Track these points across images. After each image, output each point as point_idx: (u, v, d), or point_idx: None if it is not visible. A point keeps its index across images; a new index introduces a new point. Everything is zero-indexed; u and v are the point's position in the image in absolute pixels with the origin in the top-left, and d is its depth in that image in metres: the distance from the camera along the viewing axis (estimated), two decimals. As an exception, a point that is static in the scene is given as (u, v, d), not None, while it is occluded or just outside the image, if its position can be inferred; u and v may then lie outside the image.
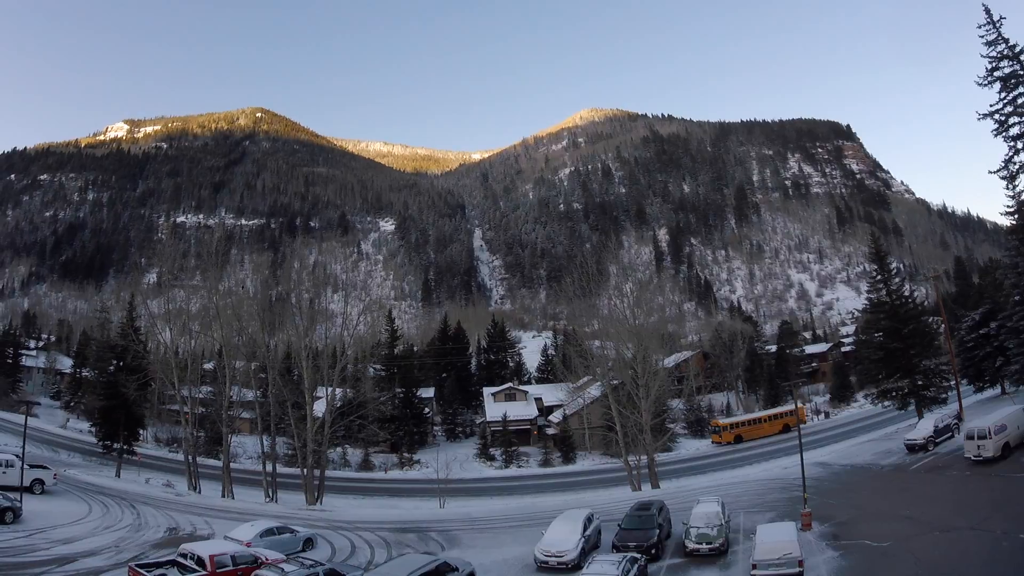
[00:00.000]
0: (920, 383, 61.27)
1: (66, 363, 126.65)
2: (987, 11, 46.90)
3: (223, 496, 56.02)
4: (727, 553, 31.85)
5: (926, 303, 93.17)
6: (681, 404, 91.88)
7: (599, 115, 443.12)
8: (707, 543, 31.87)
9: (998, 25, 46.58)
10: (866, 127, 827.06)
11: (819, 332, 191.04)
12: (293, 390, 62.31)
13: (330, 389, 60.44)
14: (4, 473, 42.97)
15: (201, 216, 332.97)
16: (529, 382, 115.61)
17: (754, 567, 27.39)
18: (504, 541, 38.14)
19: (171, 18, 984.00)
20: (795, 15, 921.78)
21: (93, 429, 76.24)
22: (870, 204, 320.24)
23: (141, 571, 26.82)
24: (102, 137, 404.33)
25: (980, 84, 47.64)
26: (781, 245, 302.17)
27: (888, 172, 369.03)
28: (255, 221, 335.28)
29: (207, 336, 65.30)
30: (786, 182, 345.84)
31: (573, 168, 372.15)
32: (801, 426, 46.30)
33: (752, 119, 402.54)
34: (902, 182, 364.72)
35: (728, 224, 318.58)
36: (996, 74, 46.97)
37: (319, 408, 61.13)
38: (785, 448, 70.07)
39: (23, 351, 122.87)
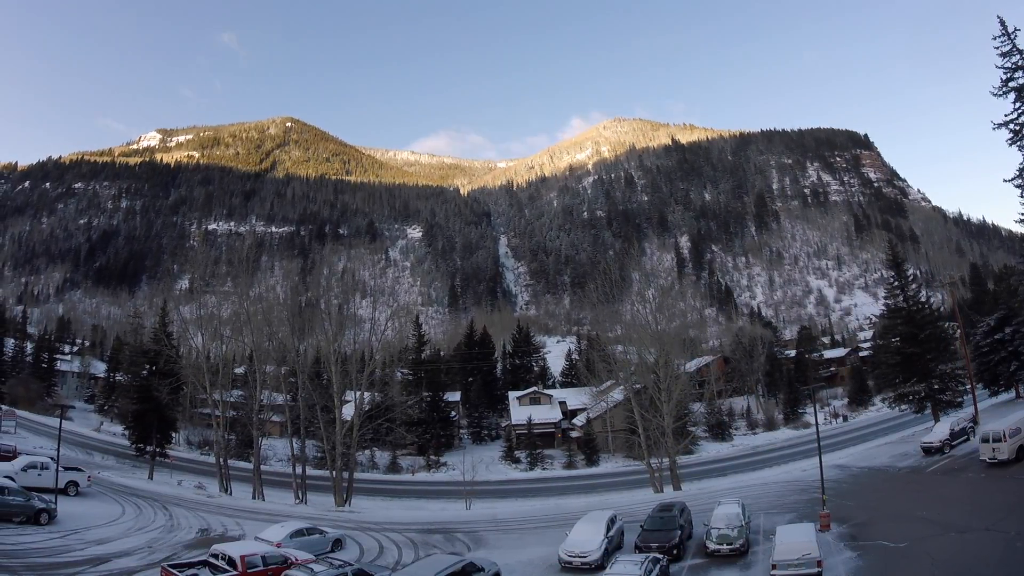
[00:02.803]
0: (936, 387, 61.40)
1: (100, 368, 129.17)
2: (1002, 23, 47.09)
3: (254, 498, 56.98)
4: (747, 554, 32.07)
5: (942, 309, 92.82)
6: (702, 408, 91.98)
7: (622, 125, 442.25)
8: (727, 544, 32.14)
9: (1012, 37, 46.72)
10: (883, 136, 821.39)
11: (837, 337, 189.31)
12: (322, 394, 62.80)
13: (358, 393, 61.08)
14: (40, 475, 43.06)
15: (232, 224, 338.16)
16: (553, 386, 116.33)
17: (774, 567, 27.63)
18: (529, 542, 38.47)
19: (202, 30, 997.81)
20: (814, 27, 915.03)
21: (126, 432, 76.53)
22: (887, 212, 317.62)
23: (173, 571, 27.19)
24: (135, 146, 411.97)
25: (995, 95, 47.75)
26: (800, 252, 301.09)
27: (905, 180, 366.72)
28: (285, 229, 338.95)
29: (238, 341, 66.17)
30: (805, 190, 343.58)
31: (596, 176, 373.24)
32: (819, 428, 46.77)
33: (772, 128, 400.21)
34: (919, 190, 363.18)
35: (748, 231, 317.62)
36: (1011, 84, 47.05)
37: (348, 412, 61.98)
38: (804, 451, 70.24)
39: (58, 356, 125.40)
